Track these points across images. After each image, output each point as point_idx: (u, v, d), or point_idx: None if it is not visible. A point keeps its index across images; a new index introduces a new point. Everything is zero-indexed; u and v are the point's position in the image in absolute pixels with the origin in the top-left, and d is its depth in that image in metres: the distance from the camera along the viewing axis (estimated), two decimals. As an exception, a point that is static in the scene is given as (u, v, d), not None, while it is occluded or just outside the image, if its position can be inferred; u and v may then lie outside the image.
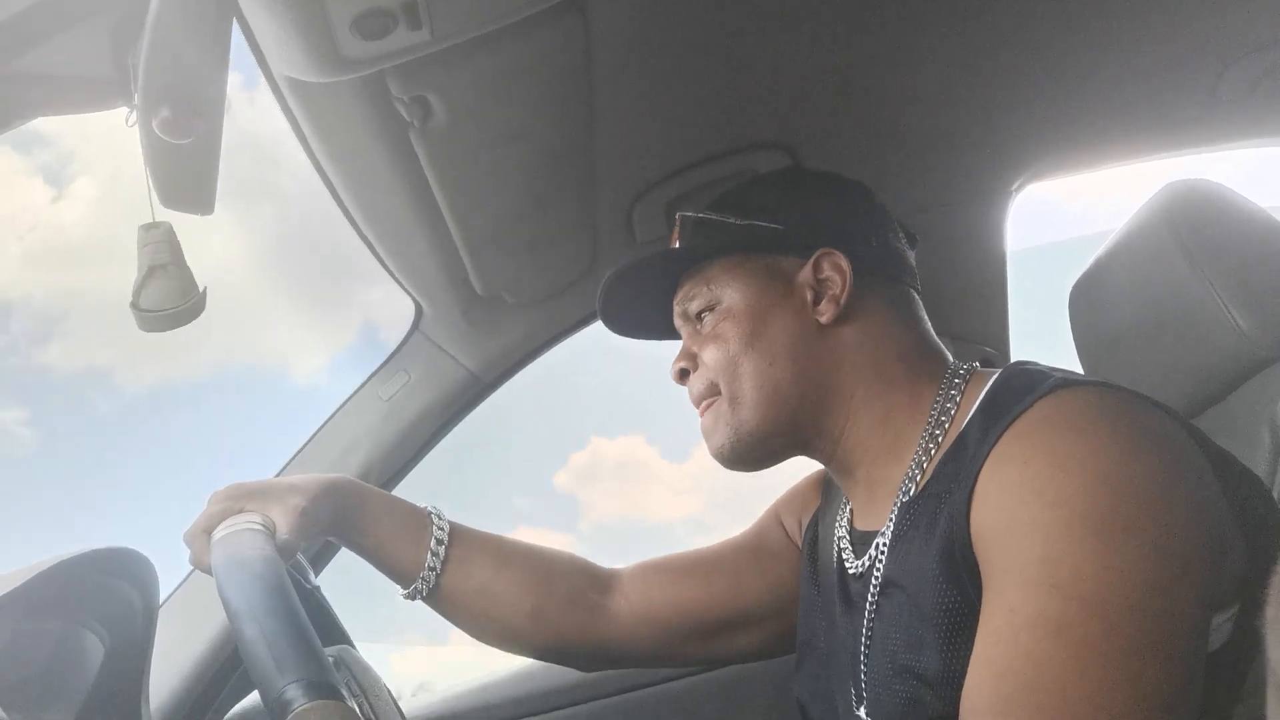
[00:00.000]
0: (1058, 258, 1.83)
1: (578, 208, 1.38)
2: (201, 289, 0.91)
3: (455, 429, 1.64)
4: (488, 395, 1.65)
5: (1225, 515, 0.85)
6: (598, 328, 1.63)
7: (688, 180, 1.42)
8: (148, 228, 0.89)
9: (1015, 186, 1.63)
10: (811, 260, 1.08)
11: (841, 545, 1.10)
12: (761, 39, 1.23)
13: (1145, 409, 0.88)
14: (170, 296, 0.89)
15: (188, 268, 0.90)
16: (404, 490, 1.60)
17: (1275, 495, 0.95)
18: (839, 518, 1.14)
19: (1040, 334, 1.76)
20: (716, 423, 1.09)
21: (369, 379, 1.61)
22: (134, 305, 0.88)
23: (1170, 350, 1.14)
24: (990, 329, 1.70)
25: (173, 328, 0.90)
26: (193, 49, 0.71)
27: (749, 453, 1.09)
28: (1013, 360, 1.16)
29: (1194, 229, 1.11)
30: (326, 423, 1.59)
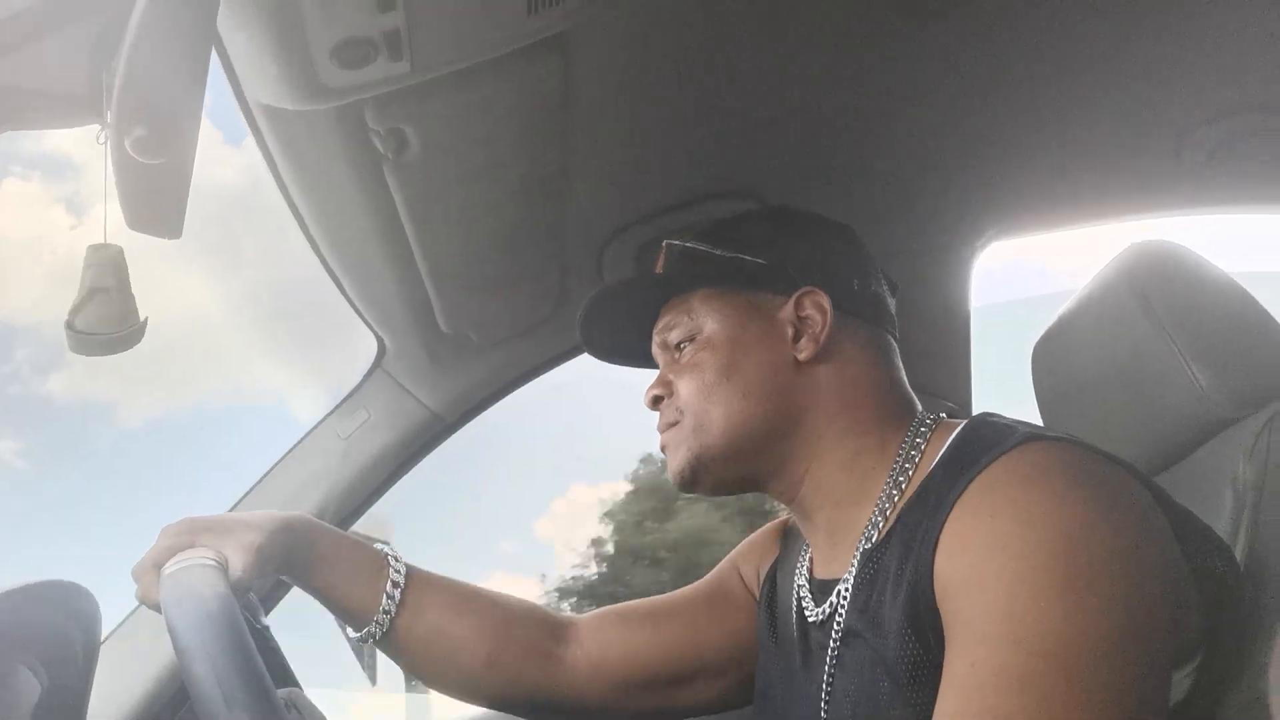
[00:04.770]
0: (1020, 314, 1.86)
1: (548, 247, 1.38)
2: (142, 319, 0.89)
3: (443, 473, 1.62)
4: (449, 436, 1.64)
5: (1184, 573, 0.86)
6: (580, 367, 1.62)
7: (659, 225, 1.43)
8: (96, 248, 0.86)
9: (980, 242, 1.65)
10: (794, 298, 1.08)
11: (801, 594, 1.09)
12: (735, 88, 1.24)
13: (1108, 466, 0.88)
14: (108, 321, 0.86)
15: (131, 295, 0.87)
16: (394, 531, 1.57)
17: (1240, 555, 0.95)
18: (798, 566, 1.13)
19: (1001, 390, 1.77)
20: (678, 445, 1.08)
21: (327, 416, 1.59)
22: (69, 325, 0.85)
23: (1132, 408, 1.15)
24: (953, 382, 1.71)
25: (106, 354, 0.87)
26: (170, 69, 0.69)
27: (707, 476, 1.08)
28: (975, 413, 1.16)
29: (1157, 289, 1.12)
30: (282, 459, 1.56)
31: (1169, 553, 0.85)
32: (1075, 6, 1.20)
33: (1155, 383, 1.11)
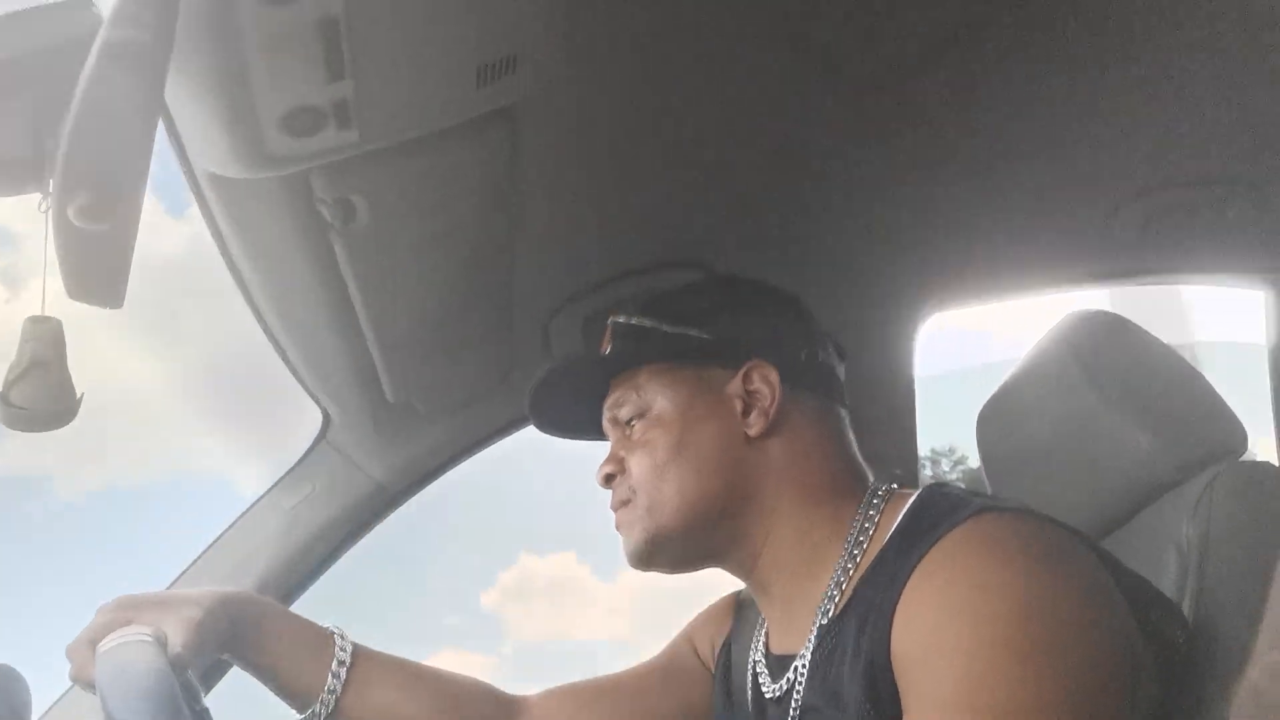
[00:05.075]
0: (964, 383, 1.88)
1: (495, 317, 1.38)
2: (79, 394, 0.87)
3: (387, 545, 1.59)
4: (395, 508, 1.61)
5: (1138, 640, 0.86)
6: (527, 438, 1.61)
7: (605, 296, 1.43)
8: (36, 321, 0.84)
9: (923, 313, 1.68)
10: (741, 371, 1.08)
11: (758, 669, 1.08)
12: (682, 157, 1.26)
13: (1062, 536, 0.89)
14: (44, 397, 0.84)
15: (68, 370, 0.86)
16: (329, 607, 1.53)
17: (1187, 617, 0.96)
18: (754, 641, 1.12)
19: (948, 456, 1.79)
20: (633, 525, 1.07)
21: (270, 489, 1.56)
22: (3, 399, 0.83)
23: (1077, 473, 1.17)
24: (899, 451, 1.72)
25: (40, 430, 0.85)
26: (117, 136, 0.69)
27: (662, 554, 1.07)
28: (926, 483, 1.17)
29: (1097, 355, 1.15)
30: (224, 534, 1.52)
31: (1123, 620, 0.86)
32: (1008, 86, 1.24)
33: (1099, 447, 1.13)
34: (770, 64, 1.13)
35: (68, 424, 0.89)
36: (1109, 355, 1.15)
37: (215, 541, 1.52)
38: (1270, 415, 1.87)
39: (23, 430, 0.86)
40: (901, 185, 1.41)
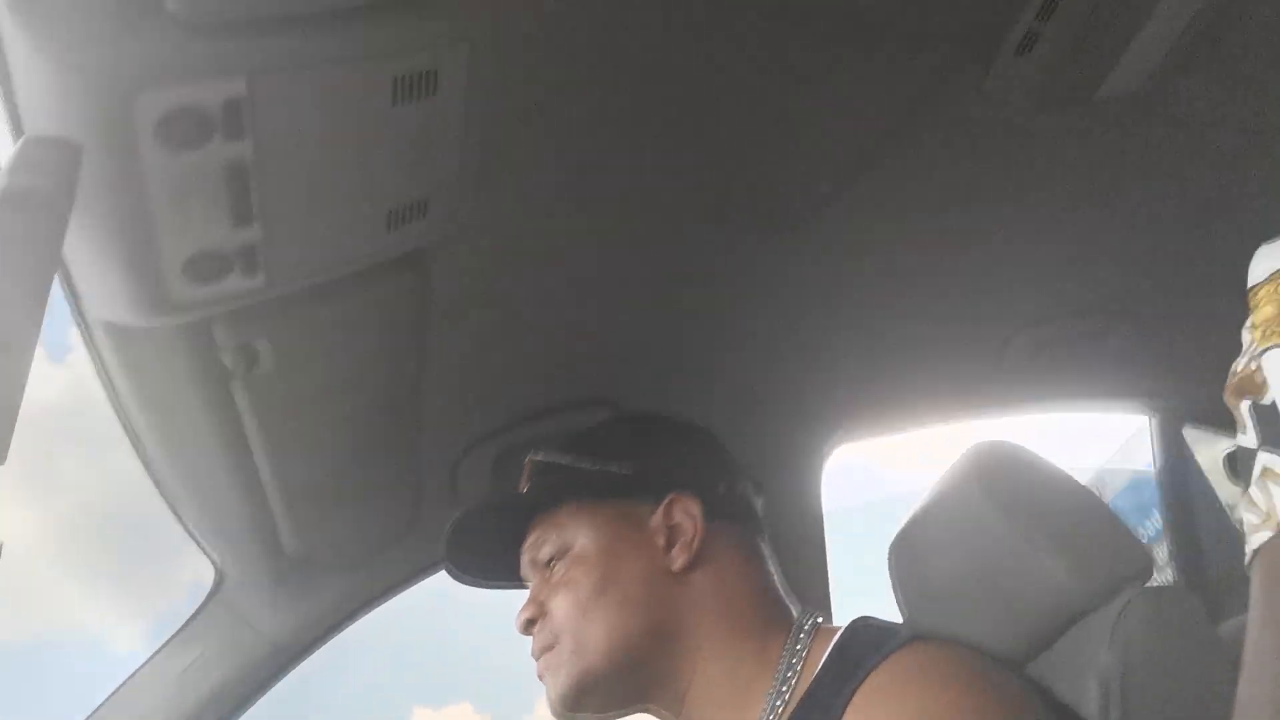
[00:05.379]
0: (869, 517, 1.89)
1: (401, 462, 1.34)
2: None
3: (271, 704, 1.50)
4: (291, 669, 1.52)
5: None
6: (425, 585, 1.55)
7: (514, 435, 1.41)
8: None
9: (828, 446, 1.69)
10: (663, 505, 1.07)
11: None
12: (588, 298, 1.27)
13: (991, 665, 0.90)
14: None
15: None
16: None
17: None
18: None
19: (859, 591, 1.79)
20: (558, 669, 1.03)
21: (157, 652, 1.46)
22: None
23: (992, 602, 1.17)
24: (810, 584, 1.71)
25: None
26: (12, 285, 0.66)
27: (590, 697, 1.03)
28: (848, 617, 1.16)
29: (1003, 485, 1.16)
30: (107, 701, 1.41)
31: None
32: (899, 226, 1.29)
33: (1012, 575, 1.14)
34: (670, 204, 1.16)
35: None
36: (1014, 484, 1.17)
37: (100, 708, 1.41)
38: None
39: None
40: (802, 320, 1.44)
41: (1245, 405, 0.61)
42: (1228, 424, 0.62)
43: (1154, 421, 1.90)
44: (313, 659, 1.54)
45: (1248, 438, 0.61)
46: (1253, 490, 0.59)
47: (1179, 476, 1.91)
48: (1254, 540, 0.59)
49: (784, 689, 0.98)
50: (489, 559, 1.16)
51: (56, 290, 0.91)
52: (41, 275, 0.69)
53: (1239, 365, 0.62)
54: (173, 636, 1.47)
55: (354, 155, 0.83)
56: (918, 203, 1.26)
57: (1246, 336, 0.62)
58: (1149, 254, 1.48)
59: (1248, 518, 0.60)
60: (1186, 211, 1.39)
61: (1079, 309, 1.56)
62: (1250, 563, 0.59)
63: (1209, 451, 1.90)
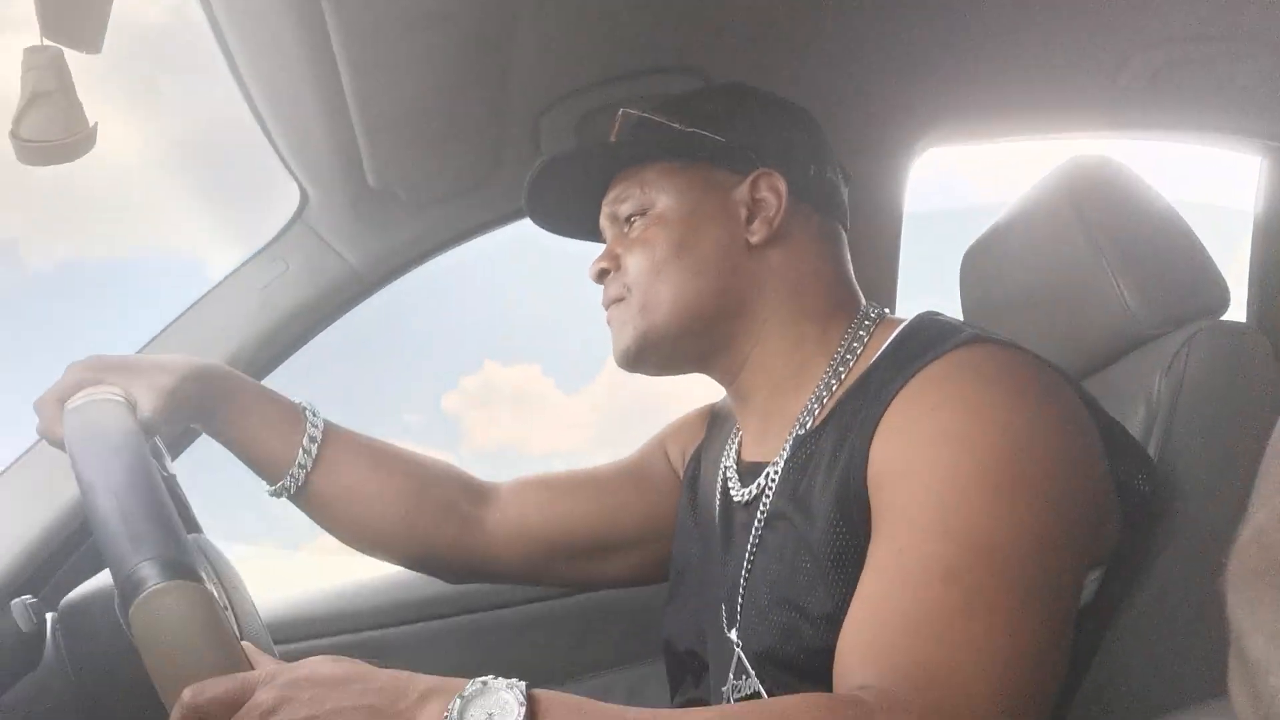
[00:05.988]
0: (948, 226, 1.87)
1: (486, 108, 1.33)
2: (92, 124, 0.83)
3: (352, 335, 1.57)
4: (368, 296, 1.58)
5: (1108, 481, 0.88)
6: (502, 244, 1.58)
7: (599, 96, 1.38)
8: (33, 51, 0.80)
9: (919, 146, 1.64)
10: (750, 178, 1.06)
11: (728, 475, 1.10)
12: None
13: (1050, 373, 0.90)
14: (53, 128, 0.81)
15: (77, 99, 0.82)
16: (290, 390, 1.53)
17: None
18: (727, 449, 1.14)
19: (922, 296, 1.79)
20: (624, 324, 1.07)
21: (242, 264, 1.52)
22: (13, 134, 0.80)
23: (1056, 320, 1.17)
24: (880, 284, 1.72)
25: (56, 162, 0.82)
26: None
27: (652, 354, 1.07)
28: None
29: (1095, 204, 1.14)
30: (193, 306, 1.50)
31: (1098, 461, 0.87)
32: None
33: (1081, 295, 1.13)
34: None
35: (84, 155, 0.86)
36: (1106, 203, 1.14)
37: (185, 313, 1.50)
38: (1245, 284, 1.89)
39: (38, 164, 0.84)
40: (909, 10, 1.36)
41: None
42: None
43: (1265, 162, 1.81)
44: (395, 300, 1.60)
45: None
46: None
47: (1275, 223, 1.85)
48: None
49: (840, 370, 1.01)
50: (568, 206, 1.17)
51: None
52: None
53: None
54: (258, 251, 1.53)
55: None
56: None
57: None
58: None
59: None
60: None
61: (1212, 32, 1.45)
62: None
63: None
